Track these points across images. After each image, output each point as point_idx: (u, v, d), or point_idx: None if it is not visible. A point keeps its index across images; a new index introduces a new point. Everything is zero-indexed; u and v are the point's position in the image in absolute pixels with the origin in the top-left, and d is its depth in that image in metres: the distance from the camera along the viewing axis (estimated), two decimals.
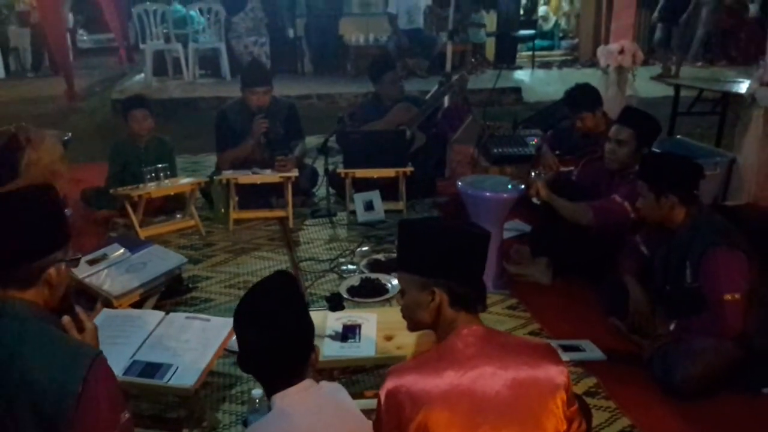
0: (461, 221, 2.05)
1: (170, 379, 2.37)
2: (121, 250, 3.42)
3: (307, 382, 1.75)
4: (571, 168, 4.24)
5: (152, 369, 2.41)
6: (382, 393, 1.68)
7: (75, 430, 1.51)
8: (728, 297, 2.62)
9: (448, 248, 1.77)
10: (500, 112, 7.37)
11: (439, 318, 1.79)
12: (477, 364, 1.66)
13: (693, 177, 2.92)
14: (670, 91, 6.67)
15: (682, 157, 3.20)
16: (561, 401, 1.70)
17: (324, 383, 1.83)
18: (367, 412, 1.86)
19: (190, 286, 3.71)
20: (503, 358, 1.68)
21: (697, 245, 2.74)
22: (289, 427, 1.67)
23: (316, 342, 2.50)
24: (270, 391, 1.76)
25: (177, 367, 2.39)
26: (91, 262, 3.29)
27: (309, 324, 1.82)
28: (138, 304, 3.21)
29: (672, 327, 2.85)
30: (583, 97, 4.34)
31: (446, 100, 5.73)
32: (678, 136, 5.72)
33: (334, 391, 1.82)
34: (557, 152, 4.66)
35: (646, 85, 8.19)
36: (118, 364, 2.40)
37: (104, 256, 3.35)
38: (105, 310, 2.80)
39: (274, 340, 1.72)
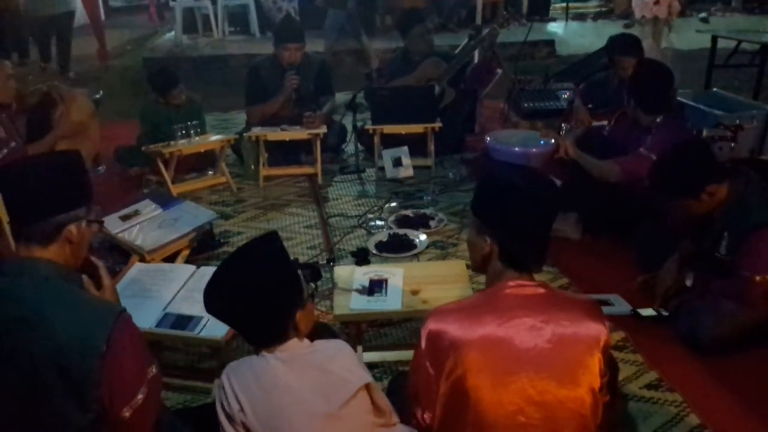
0: (543, 176, 1.93)
1: (201, 330, 2.41)
2: (154, 206, 3.46)
3: (294, 342, 1.72)
4: (604, 122, 4.17)
5: (184, 321, 2.46)
6: (424, 333, 1.70)
7: (102, 389, 1.51)
8: (759, 278, 2.56)
9: (505, 203, 1.74)
10: (532, 66, 7.24)
11: (488, 266, 1.79)
12: (518, 314, 1.66)
13: (706, 156, 2.68)
14: (707, 43, 6.46)
15: (682, 145, 2.81)
16: (599, 359, 1.67)
17: (320, 344, 1.77)
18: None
19: (222, 240, 3.76)
20: (546, 312, 1.67)
21: (743, 220, 2.59)
22: (266, 367, 1.67)
23: (342, 296, 2.55)
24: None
25: (208, 320, 2.43)
26: (124, 218, 3.34)
27: (286, 282, 1.72)
28: (170, 259, 3.27)
29: (689, 282, 2.81)
30: (626, 43, 4.28)
31: (476, 55, 5.64)
32: (714, 89, 5.57)
33: (325, 352, 1.75)
34: (590, 106, 4.57)
35: (682, 36, 7.94)
36: (151, 317, 2.47)
37: (136, 212, 3.40)
38: (138, 264, 2.86)
39: (248, 299, 1.69)
